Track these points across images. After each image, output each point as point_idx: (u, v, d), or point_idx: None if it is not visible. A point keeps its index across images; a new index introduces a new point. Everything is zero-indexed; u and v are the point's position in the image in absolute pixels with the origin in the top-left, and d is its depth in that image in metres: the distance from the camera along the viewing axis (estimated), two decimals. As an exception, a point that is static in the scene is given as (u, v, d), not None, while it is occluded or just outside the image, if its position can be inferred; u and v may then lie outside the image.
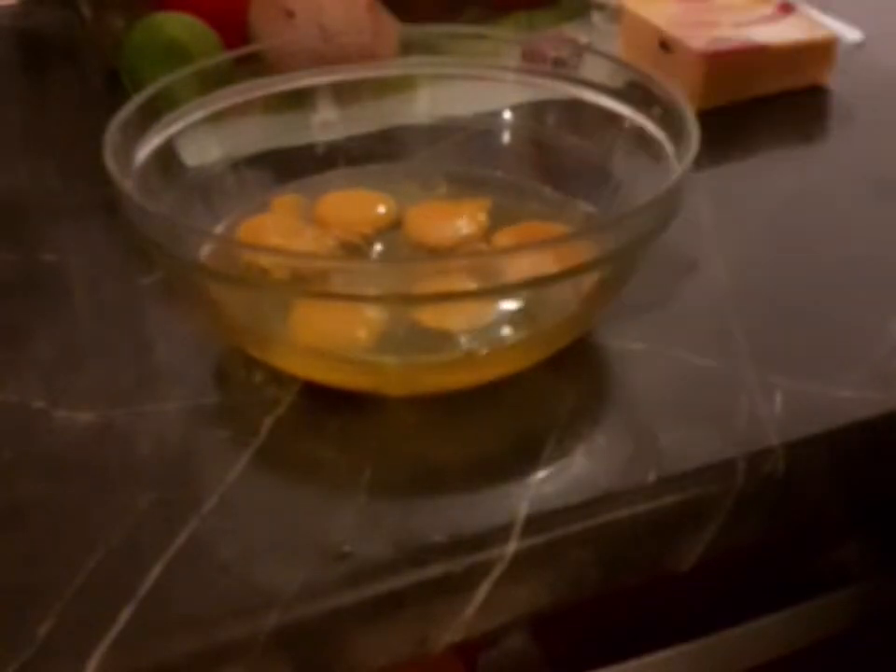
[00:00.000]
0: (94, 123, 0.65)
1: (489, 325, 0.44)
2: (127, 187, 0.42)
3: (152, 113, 0.48)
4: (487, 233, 0.50)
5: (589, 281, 0.43)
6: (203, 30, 0.64)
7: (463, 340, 0.44)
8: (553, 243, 0.43)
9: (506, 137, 0.56)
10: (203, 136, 0.51)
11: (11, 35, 0.79)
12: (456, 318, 0.44)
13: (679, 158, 0.44)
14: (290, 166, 0.54)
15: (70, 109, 0.68)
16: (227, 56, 0.54)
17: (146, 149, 0.47)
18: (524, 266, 0.40)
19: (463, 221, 0.51)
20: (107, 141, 0.44)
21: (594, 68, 0.53)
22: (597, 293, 0.44)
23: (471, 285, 0.41)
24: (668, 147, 0.47)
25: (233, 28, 0.65)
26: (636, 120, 0.49)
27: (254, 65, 0.53)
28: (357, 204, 0.53)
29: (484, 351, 0.44)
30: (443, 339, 0.44)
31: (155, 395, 0.45)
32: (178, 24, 0.63)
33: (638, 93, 0.49)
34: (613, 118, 0.51)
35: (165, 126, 0.49)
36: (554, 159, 0.54)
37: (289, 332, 0.44)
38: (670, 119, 0.47)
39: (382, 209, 0.52)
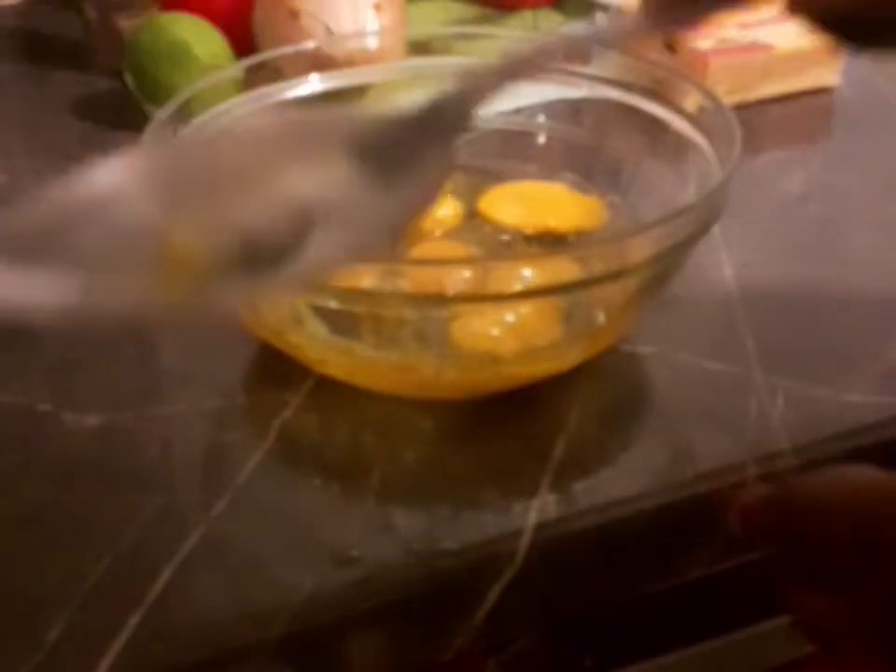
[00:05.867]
0: (98, 124, 0.66)
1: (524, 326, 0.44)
2: None
3: (186, 114, 0.48)
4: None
5: (629, 285, 0.42)
6: (209, 30, 0.64)
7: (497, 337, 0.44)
8: (598, 246, 0.43)
9: (519, 135, 0.56)
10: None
11: (14, 34, 0.79)
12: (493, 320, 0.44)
13: (720, 156, 0.44)
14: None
15: (74, 110, 0.68)
16: (254, 60, 0.53)
17: None
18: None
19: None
20: (145, 142, 0.43)
21: (610, 65, 0.52)
22: (637, 297, 0.43)
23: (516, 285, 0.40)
24: (704, 144, 0.46)
25: (239, 29, 0.65)
26: (659, 116, 0.49)
27: (264, 70, 0.53)
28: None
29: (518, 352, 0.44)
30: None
31: (162, 398, 0.44)
32: (184, 25, 0.63)
33: (663, 91, 0.49)
34: (634, 115, 0.51)
35: (199, 127, 0.49)
36: (572, 156, 0.54)
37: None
38: (705, 118, 0.47)
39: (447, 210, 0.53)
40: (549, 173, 0.54)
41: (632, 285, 0.42)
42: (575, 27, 0.75)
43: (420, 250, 0.50)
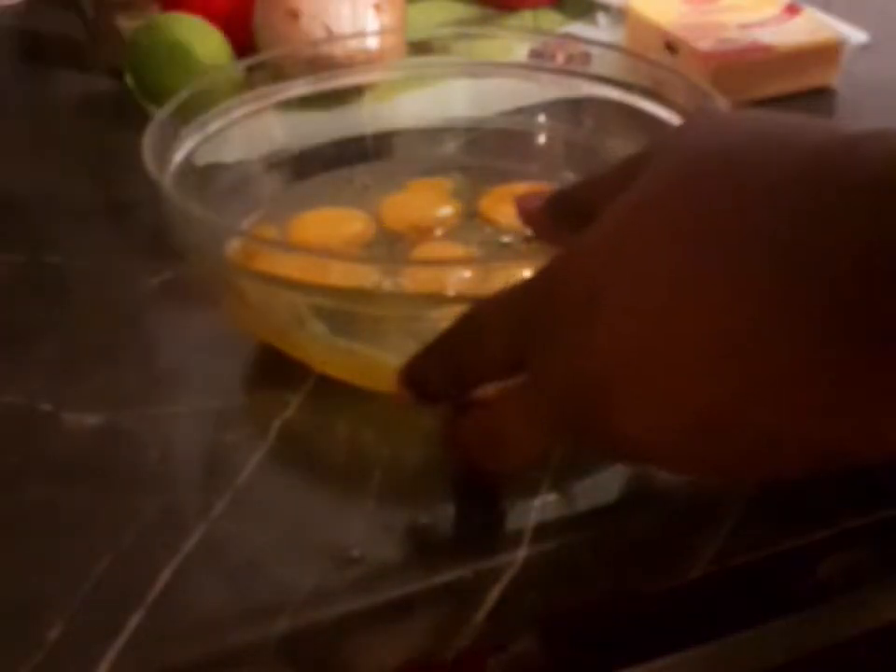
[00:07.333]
0: (98, 124, 0.66)
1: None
2: (168, 187, 0.42)
3: (186, 114, 0.48)
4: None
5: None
6: (209, 31, 0.64)
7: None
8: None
9: (519, 135, 0.56)
10: (236, 137, 0.51)
11: (14, 35, 0.79)
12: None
13: None
14: (305, 167, 0.54)
15: (73, 110, 0.68)
16: (254, 60, 0.53)
17: (181, 151, 0.47)
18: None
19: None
20: (146, 142, 0.43)
21: (610, 65, 0.52)
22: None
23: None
24: None
25: (239, 29, 0.65)
26: (658, 115, 0.49)
27: (264, 70, 0.53)
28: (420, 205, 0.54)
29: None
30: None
31: (163, 398, 0.44)
32: (184, 25, 0.63)
33: (663, 91, 0.49)
34: (634, 115, 0.51)
35: (199, 126, 0.49)
36: (572, 156, 0.54)
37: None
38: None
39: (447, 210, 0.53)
40: (549, 173, 0.54)
41: None
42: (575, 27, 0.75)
43: (420, 250, 0.50)
